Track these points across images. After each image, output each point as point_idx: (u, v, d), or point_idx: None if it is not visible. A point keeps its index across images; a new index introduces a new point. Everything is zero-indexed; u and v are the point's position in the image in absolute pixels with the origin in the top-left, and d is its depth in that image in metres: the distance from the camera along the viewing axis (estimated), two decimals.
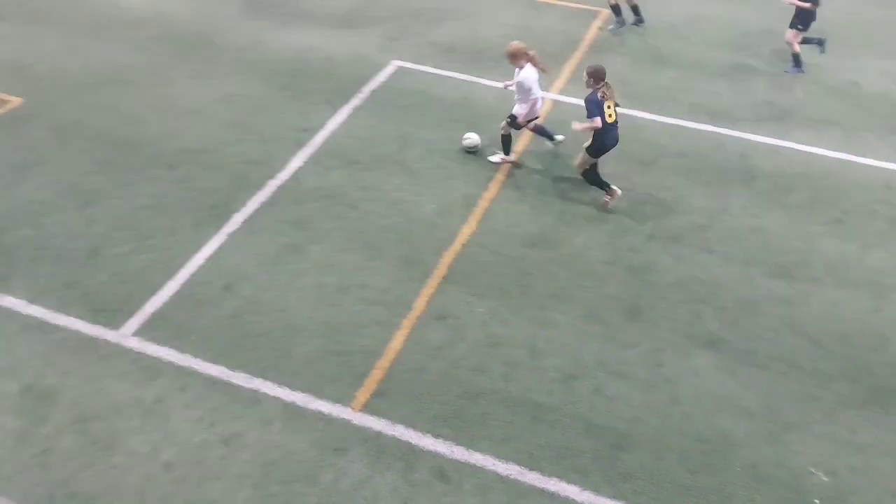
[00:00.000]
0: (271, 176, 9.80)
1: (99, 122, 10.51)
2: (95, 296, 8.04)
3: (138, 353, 7.45)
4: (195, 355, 7.44)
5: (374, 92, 11.52)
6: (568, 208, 9.56)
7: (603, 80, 9.01)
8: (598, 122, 8.96)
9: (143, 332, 7.66)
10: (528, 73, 9.58)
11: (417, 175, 9.97)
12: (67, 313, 7.82)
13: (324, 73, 11.92)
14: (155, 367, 7.32)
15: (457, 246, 8.91)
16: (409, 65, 12.21)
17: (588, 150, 9.31)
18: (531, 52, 9.59)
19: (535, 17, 12.78)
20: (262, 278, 8.37)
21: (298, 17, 13.30)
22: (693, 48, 13.08)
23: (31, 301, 7.93)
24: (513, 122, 9.88)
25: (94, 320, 7.75)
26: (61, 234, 8.77)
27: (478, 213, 9.42)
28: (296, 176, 9.84)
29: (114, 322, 7.74)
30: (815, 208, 9.76)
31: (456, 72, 12.08)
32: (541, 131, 10.34)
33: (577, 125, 9.25)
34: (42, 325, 7.69)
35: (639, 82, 12.07)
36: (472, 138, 10.36)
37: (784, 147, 10.81)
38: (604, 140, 9.17)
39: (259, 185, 9.64)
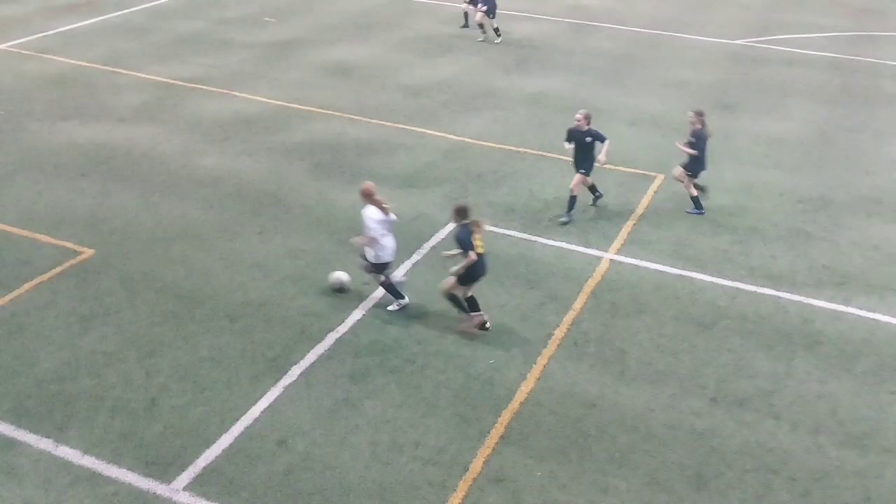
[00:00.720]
0: (331, 328, 9.89)
1: (167, 275, 10.88)
2: (149, 448, 7.99)
3: None
4: None
5: (433, 248, 11.76)
6: (628, 369, 9.36)
7: (467, 217, 9.61)
8: (473, 256, 9.47)
9: (194, 486, 7.53)
10: (368, 212, 10.06)
11: (479, 333, 9.93)
12: (120, 465, 7.77)
13: None
14: None
15: (515, 404, 8.72)
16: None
17: (460, 279, 9.72)
18: (377, 197, 10.08)
19: (595, 180, 13.13)
20: (316, 433, 8.25)
21: (364, 177, 13.86)
22: (749, 213, 13.15)
23: (86, 452, 7.92)
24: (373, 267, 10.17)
25: (146, 473, 7.67)
26: (121, 385, 8.87)
27: (536, 370, 9.27)
28: (355, 329, 9.91)
29: (166, 476, 7.64)
30: (884, 375, 9.37)
31: (514, 230, 12.31)
32: (390, 288, 10.34)
33: (447, 253, 10.11)
34: (94, 477, 7.63)
35: (697, 245, 12.09)
36: (338, 277, 10.60)
37: (847, 313, 10.55)
38: (475, 270, 9.66)
39: (318, 338, 9.71)
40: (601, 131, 12.51)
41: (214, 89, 17.36)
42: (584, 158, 12.53)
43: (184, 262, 11.20)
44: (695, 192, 12.93)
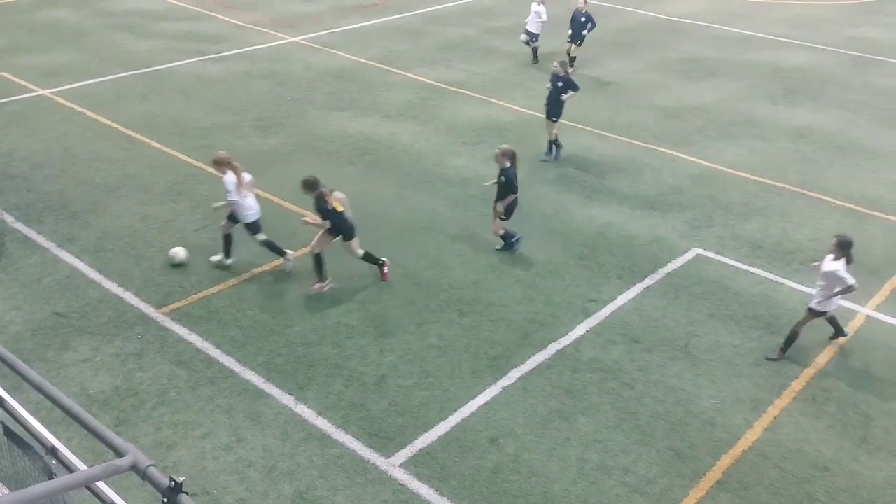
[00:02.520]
0: (553, 339, 10.00)
1: (410, 263, 11.57)
2: (374, 420, 8.59)
3: (401, 484, 7.75)
4: (452, 500, 7.56)
5: (668, 275, 11.46)
6: (871, 436, 8.53)
7: (317, 188, 10.37)
8: (327, 224, 10.44)
9: (409, 465, 7.99)
10: (227, 178, 10.58)
11: (701, 366, 9.57)
12: (347, 431, 8.42)
13: (621, 249, 12.14)
14: (413, 503, 7.53)
15: (737, 451, 8.28)
16: (710, 254, 12.03)
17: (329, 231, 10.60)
18: (234, 163, 10.67)
19: (856, 226, 12.08)
20: (527, 438, 8.40)
21: (605, 194, 13.83)
22: None
23: (320, 413, 8.68)
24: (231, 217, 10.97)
25: (368, 444, 8.25)
26: (357, 358, 9.59)
27: (765, 420, 8.73)
28: (576, 344, 9.94)
29: (385, 450, 8.17)
30: None
31: (759, 268, 11.64)
32: (271, 246, 11.13)
33: (308, 219, 10.67)
34: (324, 438, 8.34)
35: None
36: (175, 253, 11.11)
37: None
38: (338, 228, 10.62)
39: (540, 346, 9.86)
40: (576, 81, 14.70)
41: (473, 94, 18.13)
42: (553, 104, 14.68)
43: (426, 253, 11.85)
44: (502, 233, 11.93)
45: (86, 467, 4.38)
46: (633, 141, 15.95)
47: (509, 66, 20.17)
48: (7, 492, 4.88)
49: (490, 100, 17.84)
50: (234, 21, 23.04)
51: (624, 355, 9.75)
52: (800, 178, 14.46)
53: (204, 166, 13.93)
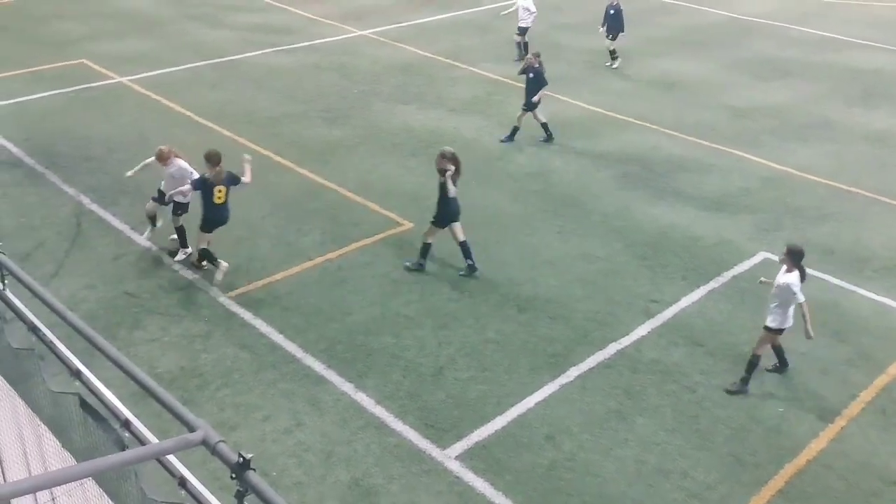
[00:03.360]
0: (613, 339, 9.89)
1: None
2: (431, 412, 8.64)
3: (456, 476, 7.78)
4: (506, 495, 7.57)
5: (735, 278, 11.22)
6: None
7: (218, 164, 10.25)
8: (188, 190, 10.50)
9: (465, 458, 8.01)
10: (183, 163, 10.96)
11: (768, 373, 9.34)
12: (404, 421, 8.49)
13: (685, 250, 11.93)
14: (468, 495, 7.57)
15: (801, 460, 8.08)
16: (778, 258, 11.72)
17: (201, 227, 10.58)
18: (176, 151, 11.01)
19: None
20: (584, 437, 8.34)
21: (669, 194, 13.60)
22: None
23: (378, 402, 8.77)
24: (159, 197, 11.16)
25: (425, 434, 8.31)
26: (415, 349, 9.66)
27: (832, 430, 8.50)
28: (637, 344, 9.82)
29: (442, 441, 8.22)
30: None
31: (829, 275, 11.30)
32: (181, 233, 11.20)
33: (181, 190, 10.66)
34: (381, 427, 8.43)
35: None
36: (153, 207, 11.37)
37: None
38: (214, 219, 10.54)
39: (599, 345, 9.77)
40: (544, 75, 14.85)
41: None
42: (527, 94, 14.92)
43: (485, 248, 11.83)
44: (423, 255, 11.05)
45: (157, 441, 4.52)
46: (701, 141, 15.65)
47: (576, 62, 19.99)
48: (75, 463, 5.06)
49: (556, 95, 17.70)
50: (305, 14, 23.38)
51: (686, 358, 9.59)
52: (876, 184, 13.98)
53: (272, 155, 14.19)
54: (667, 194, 13.65)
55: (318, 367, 9.28)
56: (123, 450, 4.18)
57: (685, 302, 10.66)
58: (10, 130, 15.05)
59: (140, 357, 9.30)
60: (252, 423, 8.43)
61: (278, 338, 9.73)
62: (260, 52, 19.98)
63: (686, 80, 18.95)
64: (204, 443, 3.56)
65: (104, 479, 4.88)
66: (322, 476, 7.79)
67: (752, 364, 8.95)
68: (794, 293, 8.48)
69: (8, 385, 5.96)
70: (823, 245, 12.08)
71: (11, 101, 16.45)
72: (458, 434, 8.31)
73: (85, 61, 18.79)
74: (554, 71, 19.26)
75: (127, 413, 4.58)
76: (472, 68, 19.33)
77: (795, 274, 8.60)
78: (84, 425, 4.74)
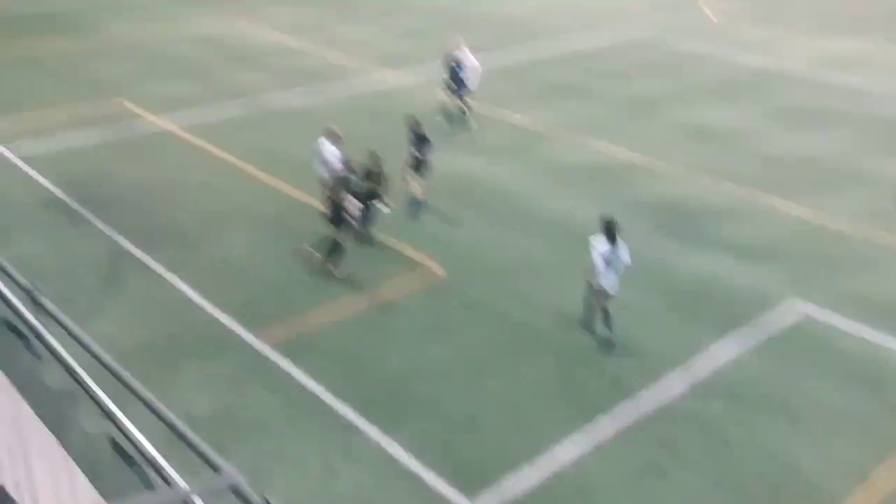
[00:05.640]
0: (648, 389, 9.80)
1: (503, 304, 11.58)
2: (465, 462, 8.60)
3: None
4: None
5: (769, 328, 11.09)
6: None
7: None
8: None
9: None
10: None
11: (803, 425, 9.20)
12: (437, 472, 8.45)
13: (720, 299, 11.83)
14: None
15: None
16: (813, 308, 11.58)
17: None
18: None
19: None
20: (618, 491, 8.24)
21: (703, 243, 13.53)
22: None
23: (410, 451, 8.74)
24: None
25: (458, 486, 8.27)
26: (448, 397, 9.63)
27: (870, 487, 8.29)
28: (673, 396, 9.71)
29: (473, 493, 8.17)
30: None
31: (866, 325, 11.13)
32: None
33: None
34: (414, 478, 8.40)
35: None
36: None
37: None
38: None
39: (634, 396, 9.68)
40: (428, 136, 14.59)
41: (573, 136, 18.11)
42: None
43: (520, 295, 11.83)
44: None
45: (184, 483, 4.56)
46: (736, 189, 15.58)
47: (611, 109, 20.08)
48: (104, 503, 5.11)
49: (590, 142, 17.79)
50: (338, 57, 23.80)
51: (722, 410, 9.47)
52: None
53: (304, 197, 14.38)
54: (701, 243, 13.58)
55: (351, 415, 9.29)
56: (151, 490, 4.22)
57: (720, 352, 10.55)
58: (51, 172, 15.45)
59: (173, 399, 9.36)
60: (285, 470, 8.44)
61: (311, 384, 9.77)
62: (293, 93, 20.34)
63: (721, 128, 18.91)
64: (233, 488, 3.58)
65: None
66: None
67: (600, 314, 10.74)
68: (592, 260, 10.54)
69: (42, 423, 6.05)
70: (859, 295, 11.91)
71: (53, 141, 16.91)
72: (491, 486, 8.25)
73: (124, 101, 19.29)
74: (589, 117, 19.38)
75: (156, 455, 4.63)
76: (508, 112, 19.47)
77: (602, 240, 10.57)
78: (114, 465, 4.79)
